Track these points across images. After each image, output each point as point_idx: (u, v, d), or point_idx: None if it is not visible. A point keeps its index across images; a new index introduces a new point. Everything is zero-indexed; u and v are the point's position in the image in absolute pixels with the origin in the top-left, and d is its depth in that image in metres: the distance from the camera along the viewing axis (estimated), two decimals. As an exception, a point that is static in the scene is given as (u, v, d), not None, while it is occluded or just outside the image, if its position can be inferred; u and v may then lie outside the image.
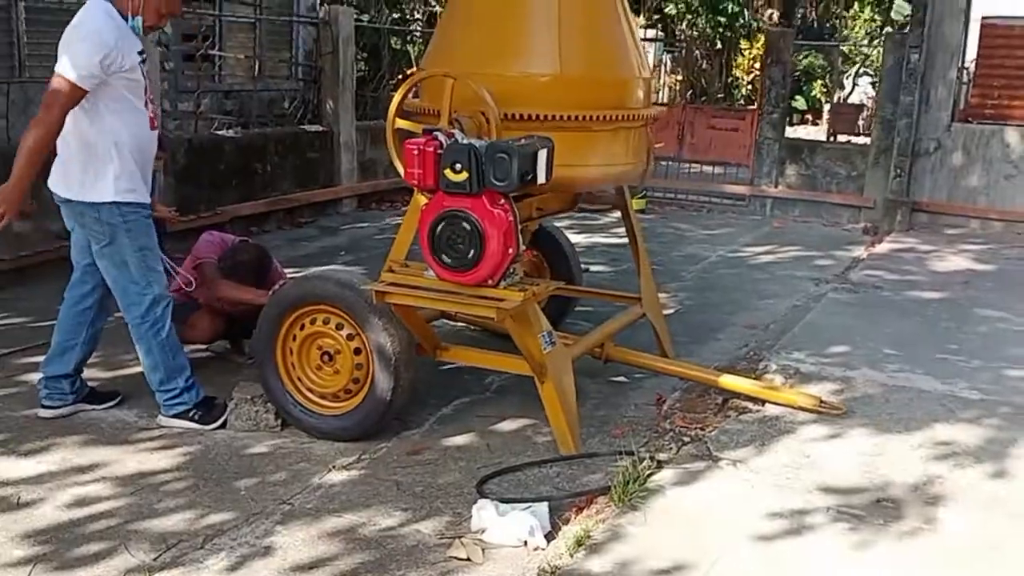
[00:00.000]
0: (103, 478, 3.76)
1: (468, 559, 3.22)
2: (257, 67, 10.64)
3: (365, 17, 15.14)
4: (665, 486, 3.64)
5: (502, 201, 3.63)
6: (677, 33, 19.68)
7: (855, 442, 4.11)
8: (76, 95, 3.80)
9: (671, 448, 4.04)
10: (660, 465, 3.81)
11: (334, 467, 3.93)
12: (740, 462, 3.88)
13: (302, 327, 4.17)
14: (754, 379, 4.71)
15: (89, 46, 3.79)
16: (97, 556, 3.20)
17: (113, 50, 3.81)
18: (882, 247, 8.79)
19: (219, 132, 8.52)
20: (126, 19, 3.92)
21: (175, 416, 4.26)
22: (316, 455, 4.05)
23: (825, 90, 21.33)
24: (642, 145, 4.64)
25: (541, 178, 3.67)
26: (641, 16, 18.99)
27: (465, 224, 3.61)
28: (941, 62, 9.59)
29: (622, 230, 9.39)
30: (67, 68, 3.77)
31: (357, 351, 4.08)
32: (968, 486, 3.74)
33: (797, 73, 21.50)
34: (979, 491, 3.71)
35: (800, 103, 21.19)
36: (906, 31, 10.04)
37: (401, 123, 4.12)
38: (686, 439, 4.13)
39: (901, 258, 8.27)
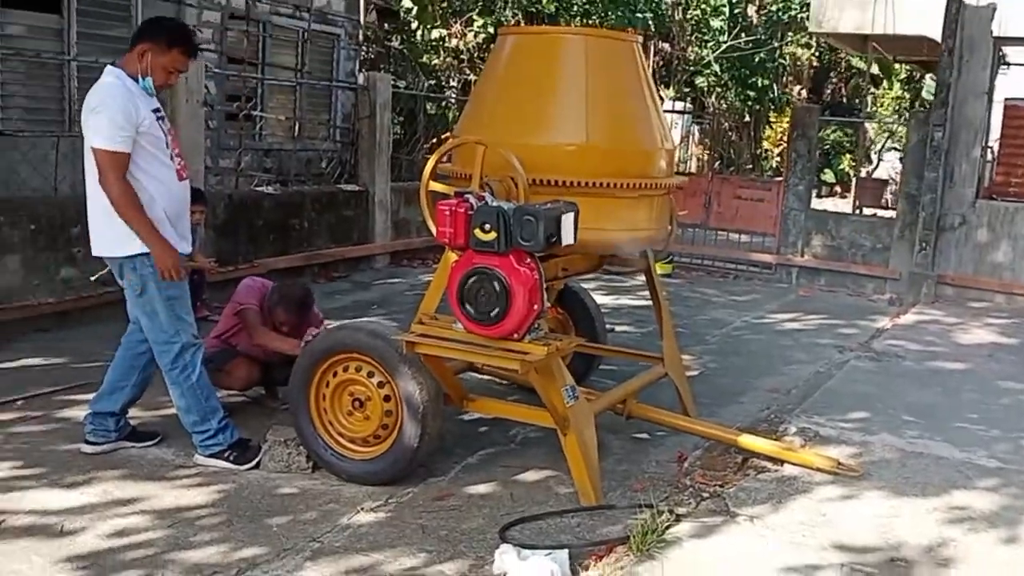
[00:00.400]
0: (141, 511, 3.92)
1: (489, 601, 3.34)
2: (297, 128, 11.04)
3: (403, 83, 15.64)
4: (683, 538, 3.74)
5: (528, 260, 3.81)
6: (707, 106, 20.03)
7: (871, 503, 4.20)
8: (119, 159, 4.08)
9: (690, 503, 4.15)
10: (679, 518, 3.91)
11: (362, 509, 4.07)
12: (757, 518, 3.98)
13: (335, 374, 4.34)
14: (773, 440, 4.81)
15: (106, 112, 4.07)
16: (135, 584, 3.35)
17: (129, 107, 4.09)
18: (907, 318, 8.88)
19: (259, 188, 8.82)
20: (137, 81, 4.20)
21: (211, 456, 4.44)
22: (345, 497, 4.19)
23: (853, 164, 21.57)
24: (664, 212, 4.84)
25: (566, 240, 3.86)
26: (671, 88, 19.42)
27: (493, 281, 3.79)
28: (965, 140, 9.77)
29: (647, 293, 9.62)
30: (97, 140, 4.06)
31: (387, 398, 4.24)
32: (981, 550, 3.81)
33: (826, 147, 21.82)
34: (992, 556, 3.78)
35: (828, 176, 21.45)
36: (930, 110, 10.24)
37: (435, 185, 4.34)
38: (705, 495, 4.24)
39: (925, 329, 8.35)
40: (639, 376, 5.13)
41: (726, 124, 18.90)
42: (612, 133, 4.48)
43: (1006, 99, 9.87)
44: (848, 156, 21.92)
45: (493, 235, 3.78)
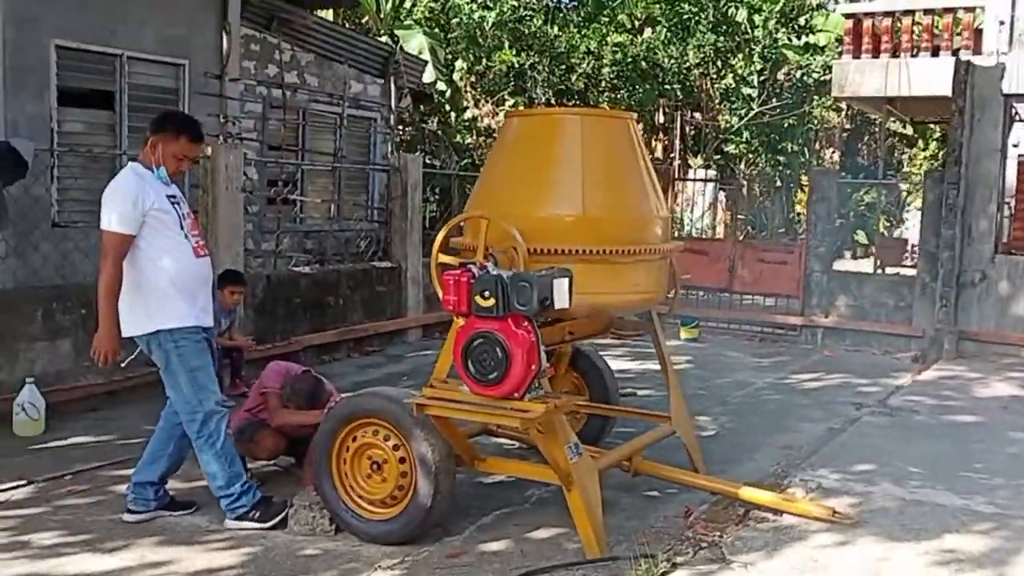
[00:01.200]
0: (174, 572, 4.23)
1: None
2: (335, 209, 11.59)
3: (437, 163, 16.25)
4: (677, 584, 3.95)
5: (526, 323, 4.12)
6: (736, 172, 20.35)
7: (863, 549, 4.37)
8: (122, 240, 4.52)
9: (688, 552, 4.36)
10: (675, 566, 4.13)
11: (379, 567, 4.34)
12: (751, 564, 4.17)
13: (354, 439, 4.66)
14: (774, 492, 5.01)
15: (117, 197, 4.52)
16: (166, 637, 3.65)
17: (137, 193, 4.51)
18: (928, 375, 8.99)
19: (295, 268, 9.28)
20: (152, 171, 4.64)
21: (237, 519, 4.74)
22: (364, 556, 4.46)
23: (888, 224, 21.66)
24: (663, 275, 5.13)
25: (560, 304, 4.17)
26: (699, 157, 19.81)
27: (493, 344, 4.10)
28: (981, 197, 9.97)
29: (676, 358, 9.83)
30: (106, 221, 4.50)
31: (402, 460, 4.54)
32: (966, 590, 3.97)
33: (861, 208, 21.97)
34: (977, 595, 3.94)
35: (862, 237, 21.53)
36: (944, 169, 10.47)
37: (444, 258, 4.70)
38: (703, 544, 4.44)
39: (944, 384, 8.47)
40: (646, 434, 5.37)
41: (757, 190, 19.16)
42: (607, 204, 4.83)
43: (1019, 155, 10.06)
44: (883, 217, 22.01)
45: (492, 301, 4.10)
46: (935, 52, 12.54)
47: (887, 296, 10.53)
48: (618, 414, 5.95)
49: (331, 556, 4.47)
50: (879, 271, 11.83)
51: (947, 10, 12.88)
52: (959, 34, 12.22)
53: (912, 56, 12.61)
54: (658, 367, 9.03)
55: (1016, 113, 10.30)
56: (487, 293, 4.11)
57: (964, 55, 11.15)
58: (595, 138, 4.90)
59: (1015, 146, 10.40)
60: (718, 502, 5.16)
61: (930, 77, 11.78)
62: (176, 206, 4.67)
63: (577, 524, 4.45)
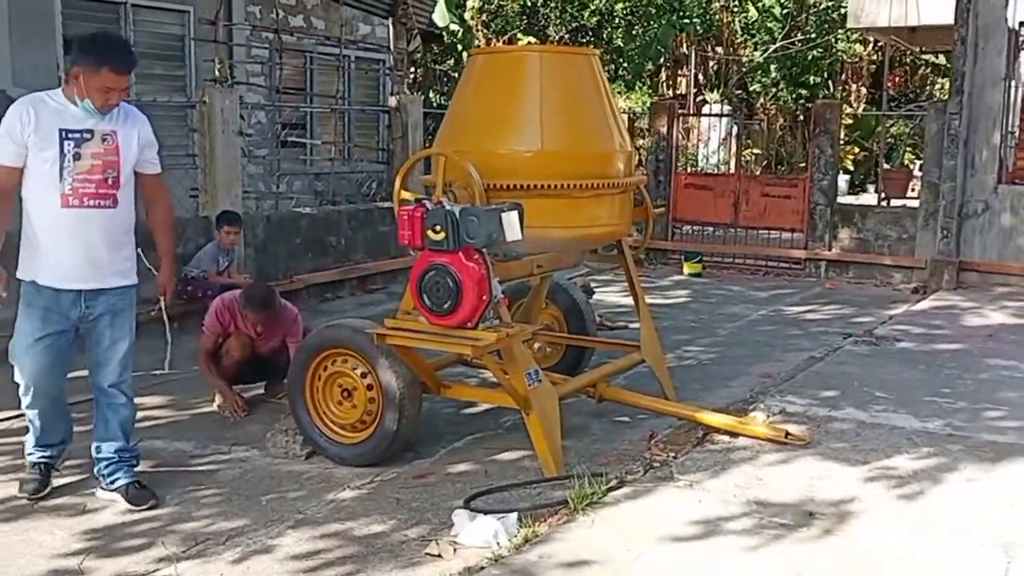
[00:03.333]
0: (161, 495, 4.49)
1: (439, 555, 3.82)
2: (346, 151, 11.77)
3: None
4: (621, 500, 4.16)
5: (476, 256, 4.29)
6: (755, 107, 20.18)
7: (808, 468, 4.54)
8: None
9: (639, 471, 4.55)
10: (622, 483, 4.33)
11: (347, 487, 4.59)
12: (696, 483, 4.36)
13: (325, 368, 4.90)
14: (733, 416, 5.17)
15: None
16: (138, 548, 3.92)
17: (14, 123, 4.04)
18: (923, 304, 9.05)
19: (296, 209, 9.51)
20: (75, 103, 4.09)
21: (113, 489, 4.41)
22: (336, 478, 4.72)
23: (915, 156, 21.36)
24: (625, 209, 5.26)
25: (510, 237, 4.32)
26: (715, 92, 19.64)
27: (445, 275, 4.28)
28: (984, 127, 9.89)
29: (676, 292, 9.97)
30: None
31: (369, 387, 4.77)
32: (885, 503, 4.13)
33: (889, 140, 21.73)
34: (893, 508, 4.09)
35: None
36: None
37: (405, 194, 4.87)
38: (655, 464, 4.63)
39: (936, 314, 8.53)
40: (613, 362, 5.55)
41: (777, 125, 19.02)
42: (567, 139, 4.95)
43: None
44: (910, 148, 21.73)
45: (443, 235, 4.27)
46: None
47: (890, 228, 10.54)
48: (590, 344, 6.12)
49: (303, 477, 4.72)
50: (883, 203, 11.77)
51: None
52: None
53: (929, -16, 12.41)
54: (655, 302, 9.31)
55: (1023, 41, 10.13)
56: (438, 227, 4.27)
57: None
58: (555, 75, 5.00)
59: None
60: (681, 426, 5.34)
61: (938, 6, 11.59)
62: (66, 142, 4.06)
63: (535, 445, 4.66)
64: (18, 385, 4.36)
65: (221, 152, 8.15)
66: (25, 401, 4.38)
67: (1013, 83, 9.99)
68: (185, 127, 8.93)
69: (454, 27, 17.00)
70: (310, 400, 4.95)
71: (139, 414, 4.77)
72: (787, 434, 4.86)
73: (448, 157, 4.71)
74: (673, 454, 4.77)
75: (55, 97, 4.13)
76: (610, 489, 4.25)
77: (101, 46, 4.12)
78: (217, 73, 8.86)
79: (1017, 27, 10.00)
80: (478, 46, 17.28)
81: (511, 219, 4.35)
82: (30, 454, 4.50)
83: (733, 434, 4.98)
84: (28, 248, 4.19)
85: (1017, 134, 10.04)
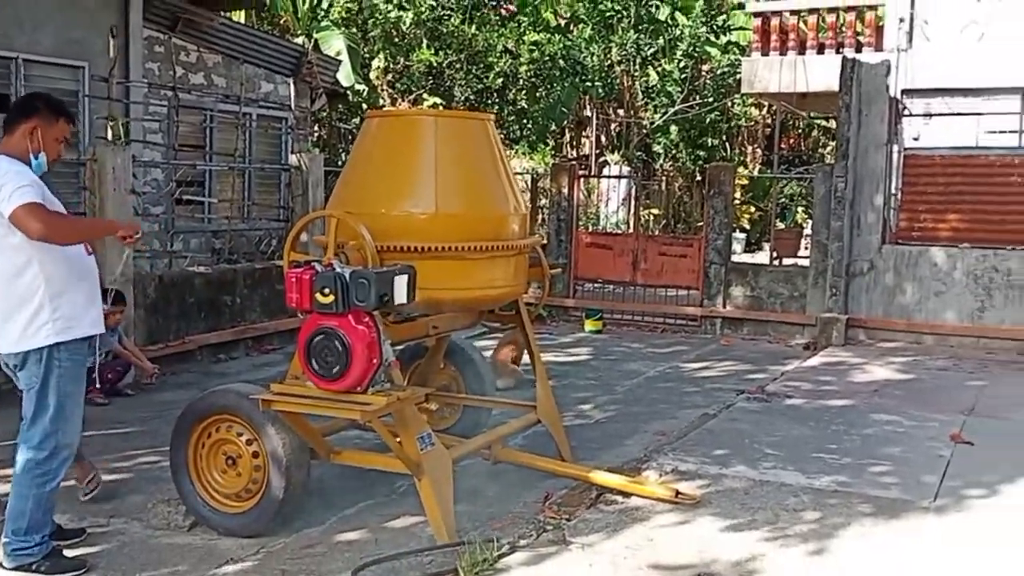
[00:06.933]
0: (29, 569, 4.26)
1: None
2: (244, 209, 11.59)
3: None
4: (512, 566, 4.11)
5: (367, 319, 4.24)
6: (655, 168, 20.68)
7: (699, 527, 4.57)
8: (35, 207, 3.98)
9: (532, 535, 4.51)
10: (514, 549, 4.28)
11: (232, 560, 4.42)
12: (588, 546, 4.35)
13: (209, 435, 4.75)
14: (625, 476, 5.19)
15: (10, 176, 3.99)
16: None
17: (33, 177, 4.09)
18: (813, 361, 9.30)
19: (190, 268, 9.30)
20: (28, 163, 4.13)
21: (17, 568, 4.17)
22: (219, 550, 4.54)
23: (807, 215, 22.17)
24: (520, 270, 5.28)
25: (399, 299, 4.29)
26: (616, 154, 20.08)
27: (334, 339, 4.21)
28: (868, 190, 10.33)
29: (576, 349, 10.02)
30: (8, 206, 3.93)
31: (255, 455, 4.63)
32: (785, 562, 4.18)
33: (783, 200, 22.51)
34: (795, 566, 4.15)
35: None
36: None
37: (294, 255, 4.80)
38: (548, 527, 4.60)
39: (825, 370, 8.77)
40: (508, 423, 5.53)
41: (676, 185, 19.53)
42: (461, 201, 4.96)
43: (905, 149, 10.44)
44: (801, 208, 22.55)
45: (332, 298, 4.21)
46: (839, 49, 12.89)
47: (782, 286, 10.85)
48: (486, 404, 6.08)
49: (185, 550, 4.54)
50: (775, 262, 12.13)
51: (851, 8, 13.27)
52: (861, 33, 12.59)
53: (818, 53, 12.96)
54: (557, 359, 9.36)
55: (905, 108, 10.66)
56: (327, 290, 4.21)
57: (867, 52, 11.51)
58: (450, 139, 5.02)
59: (915, 139, 10.75)
60: (576, 487, 5.33)
61: (827, 74, 12.12)
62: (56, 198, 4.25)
63: (427, 512, 4.58)
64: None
65: (112, 211, 7.92)
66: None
67: (895, 148, 10.47)
68: (76, 185, 8.68)
69: (359, 87, 17.09)
70: (193, 468, 4.78)
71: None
72: (678, 493, 4.89)
73: (340, 218, 4.67)
74: (567, 516, 4.75)
75: (10, 161, 4.10)
76: (501, 555, 4.20)
77: (51, 99, 4.36)
78: (110, 131, 8.65)
79: (898, 95, 10.54)
80: (383, 106, 17.34)
81: (401, 282, 4.32)
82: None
83: (626, 494, 4.99)
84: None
85: (899, 196, 10.50)
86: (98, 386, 7.00)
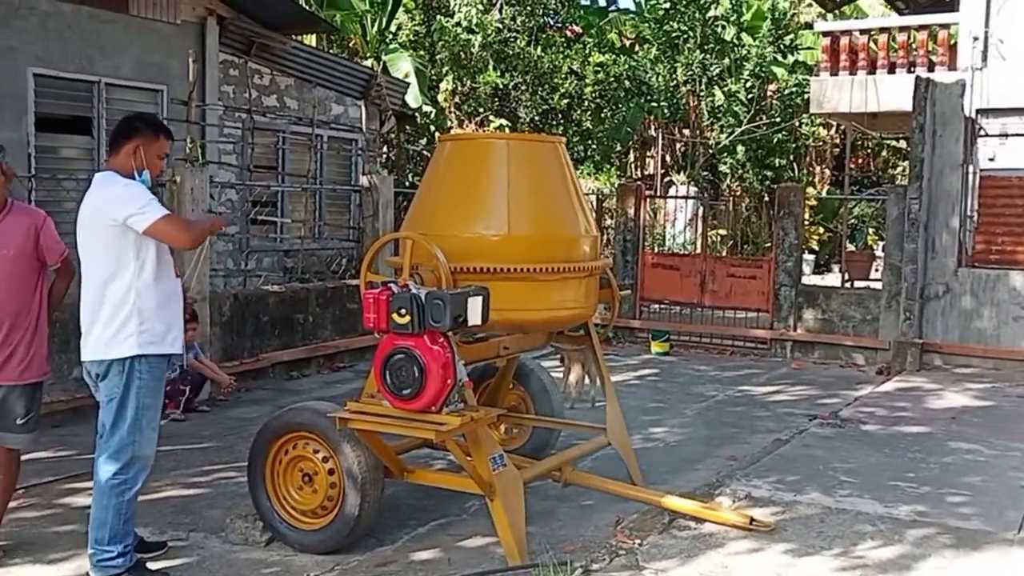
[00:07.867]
0: (107, 580, 4.38)
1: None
2: (316, 229, 11.81)
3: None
4: (586, 590, 4.10)
5: (441, 339, 4.29)
6: (722, 188, 20.53)
7: (774, 555, 4.51)
8: (173, 218, 4.38)
9: (604, 559, 4.50)
10: (588, 573, 4.27)
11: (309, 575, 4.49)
12: (662, 571, 4.32)
13: (286, 452, 4.83)
14: (703, 502, 5.14)
15: (135, 192, 4.24)
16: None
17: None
18: (887, 386, 9.12)
19: (264, 287, 9.49)
20: (134, 178, 4.34)
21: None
22: (296, 566, 4.61)
23: (877, 237, 21.77)
24: (591, 291, 5.29)
25: (473, 320, 4.34)
26: (682, 174, 19.98)
27: (409, 359, 4.27)
28: (944, 212, 10.13)
29: (643, 371, 9.97)
30: (146, 219, 4.17)
31: (331, 472, 4.70)
32: (864, 593, 4.11)
33: (852, 221, 22.17)
34: (875, 598, 4.07)
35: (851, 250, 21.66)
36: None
37: (371, 276, 4.88)
38: (621, 551, 4.58)
39: (900, 396, 8.59)
40: (579, 445, 5.52)
41: (743, 205, 19.35)
42: (533, 224, 5.00)
43: (981, 170, 10.22)
44: (872, 229, 22.18)
45: (408, 318, 4.27)
46: (910, 68, 12.71)
47: (854, 309, 10.67)
48: (556, 426, 6.09)
49: (262, 565, 4.62)
50: (847, 284, 11.93)
51: (922, 27, 13.07)
52: (933, 52, 12.39)
53: (889, 73, 12.79)
54: (623, 378, 9.32)
55: (980, 128, 10.45)
56: (403, 310, 4.27)
57: (939, 71, 11.33)
58: (522, 161, 5.08)
59: (991, 160, 10.52)
60: (648, 511, 5.30)
61: (898, 93, 11.94)
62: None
63: (500, 533, 4.60)
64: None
65: (190, 231, 8.13)
66: None
67: (971, 168, 10.26)
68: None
69: (427, 108, 17.30)
70: (270, 485, 4.87)
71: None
72: (752, 520, 4.83)
73: (415, 240, 4.74)
74: (639, 541, 4.73)
75: (117, 177, 4.33)
76: (575, 578, 4.19)
77: (151, 118, 4.70)
78: (188, 152, 8.90)
79: (973, 115, 10.34)
80: (450, 127, 17.52)
81: (475, 303, 4.37)
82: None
83: (699, 519, 4.95)
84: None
85: (975, 218, 10.28)
86: (176, 400, 7.18)
